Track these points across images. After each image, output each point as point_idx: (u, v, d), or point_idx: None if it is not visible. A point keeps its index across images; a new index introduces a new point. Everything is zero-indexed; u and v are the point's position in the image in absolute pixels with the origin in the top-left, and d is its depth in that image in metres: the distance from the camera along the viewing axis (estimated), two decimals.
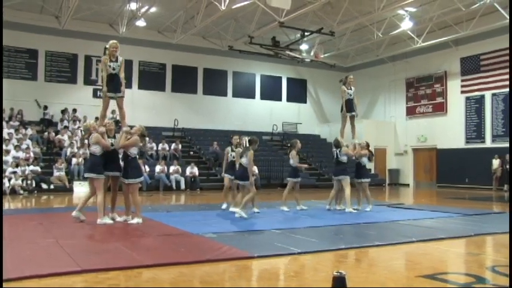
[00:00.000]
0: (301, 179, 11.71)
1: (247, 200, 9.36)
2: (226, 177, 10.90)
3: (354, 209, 10.83)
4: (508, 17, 18.87)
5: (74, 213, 8.34)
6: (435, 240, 7.22)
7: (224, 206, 11.04)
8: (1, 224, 6.37)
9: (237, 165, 9.90)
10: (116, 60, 8.77)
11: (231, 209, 10.21)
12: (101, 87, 22.86)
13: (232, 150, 10.69)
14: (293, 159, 11.21)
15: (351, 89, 11.75)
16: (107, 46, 8.85)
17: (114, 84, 8.77)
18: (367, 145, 11.72)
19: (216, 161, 21.83)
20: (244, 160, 9.41)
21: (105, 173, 8.40)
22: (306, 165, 11.90)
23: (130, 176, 8.40)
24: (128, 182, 8.42)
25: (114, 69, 8.73)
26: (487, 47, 22.30)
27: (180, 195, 17.43)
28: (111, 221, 8.34)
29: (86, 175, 8.51)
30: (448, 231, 7.98)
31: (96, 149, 8.29)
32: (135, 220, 8.34)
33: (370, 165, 24.60)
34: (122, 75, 8.86)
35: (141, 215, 8.53)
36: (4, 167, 16.49)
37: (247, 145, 9.54)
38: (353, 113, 11.80)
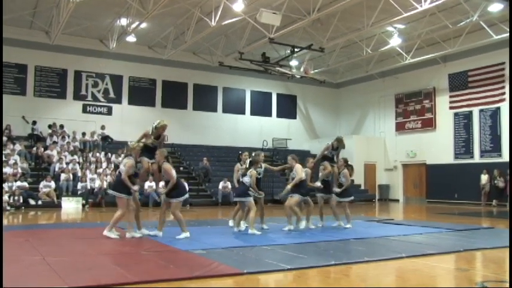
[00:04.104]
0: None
1: (253, 217, 9.43)
2: None
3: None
4: (494, 35, 19.23)
5: (110, 235, 8.32)
6: (425, 255, 7.22)
7: (243, 227, 10.12)
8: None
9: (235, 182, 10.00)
10: (158, 138, 8.89)
11: (250, 230, 9.39)
12: (89, 103, 23.04)
13: (242, 167, 10.42)
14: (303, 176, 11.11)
15: (337, 148, 11.25)
16: (156, 125, 8.82)
17: (149, 154, 8.78)
18: (345, 161, 11.45)
19: (206, 177, 21.75)
20: (246, 179, 9.58)
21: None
22: (318, 184, 11.17)
23: (173, 196, 8.74)
24: (170, 201, 8.76)
25: (152, 144, 8.80)
26: (474, 63, 22.57)
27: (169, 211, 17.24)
28: (116, 236, 8.32)
29: (113, 193, 8.51)
30: (438, 247, 7.99)
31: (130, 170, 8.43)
32: (183, 235, 8.56)
33: (360, 181, 24.99)
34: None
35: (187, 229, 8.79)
36: None
37: (248, 166, 9.74)
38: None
